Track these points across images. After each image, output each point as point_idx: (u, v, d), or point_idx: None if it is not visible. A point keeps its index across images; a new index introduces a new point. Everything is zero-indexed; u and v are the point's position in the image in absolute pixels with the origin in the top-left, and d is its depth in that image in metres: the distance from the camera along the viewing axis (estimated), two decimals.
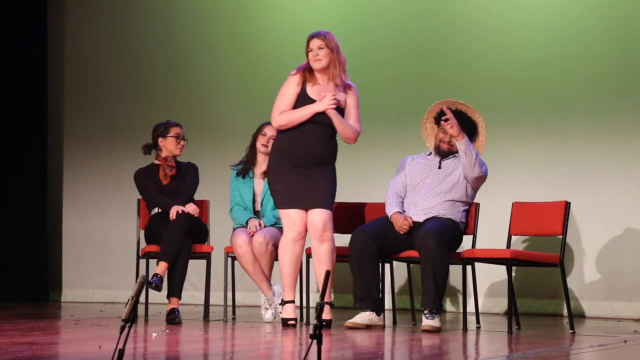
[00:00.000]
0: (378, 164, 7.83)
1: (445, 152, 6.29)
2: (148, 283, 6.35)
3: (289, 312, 6.19)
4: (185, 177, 6.85)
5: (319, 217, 6.06)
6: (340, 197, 6.42)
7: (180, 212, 6.58)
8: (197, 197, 6.90)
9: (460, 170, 6.23)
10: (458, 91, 7.58)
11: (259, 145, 6.79)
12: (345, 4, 8.43)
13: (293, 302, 6.20)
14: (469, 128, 6.28)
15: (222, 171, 7.48)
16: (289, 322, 6.17)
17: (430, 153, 6.39)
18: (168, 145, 6.84)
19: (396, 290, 7.11)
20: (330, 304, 6.04)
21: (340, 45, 6.17)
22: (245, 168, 6.82)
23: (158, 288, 6.42)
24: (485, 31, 7.86)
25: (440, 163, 6.31)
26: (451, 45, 7.98)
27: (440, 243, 5.89)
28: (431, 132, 6.43)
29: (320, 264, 6.06)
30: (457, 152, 6.26)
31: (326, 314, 6.08)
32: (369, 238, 6.06)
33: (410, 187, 6.32)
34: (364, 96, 8.17)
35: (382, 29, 8.24)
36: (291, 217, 6.10)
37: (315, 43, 6.15)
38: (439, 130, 6.32)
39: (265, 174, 6.72)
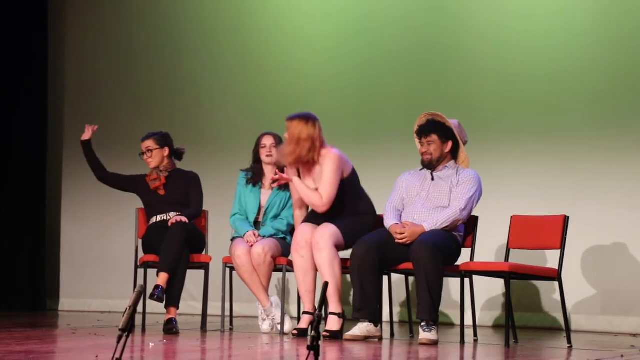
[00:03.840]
0: (378, 177, 7.82)
1: (430, 164, 6.30)
2: (151, 295, 6.38)
3: (301, 322, 6.25)
4: (190, 191, 6.86)
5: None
6: None
7: (179, 220, 6.58)
8: None
9: (454, 182, 6.24)
10: (459, 105, 7.60)
11: (262, 157, 6.80)
12: (346, 17, 8.44)
13: (307, 313, 6.23)
14: (440, 132, 6.29)
15: (222, 182, 7.49)
16: (292, 332, 6.22)
17: (423, 168, 6.41)
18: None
19: (394, 302, 7.10)
20: (338, 315, 6.09)
21: (309, 128, 6.23)
22: (255, 178, 6.83)
23: (160, 299, 6.43)
24: (489, 45, 7.87)
25: (432, 175, 6.32)
26: (453, 60, 7.99)
27: (433, 253, 5.89)
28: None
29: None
30: (443, 161, 6.28)
31: (333, 325, 6.10)
32: (372, 248, 6.06)
33: (406, 201, 6.33)
34: (365, 111, 8.22)
35: (382, 44, 8.25)
36: None
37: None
38: (420, 144, 6.34)
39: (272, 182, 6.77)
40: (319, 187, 6.23)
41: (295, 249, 6.23)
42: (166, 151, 6.90)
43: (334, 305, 6.10)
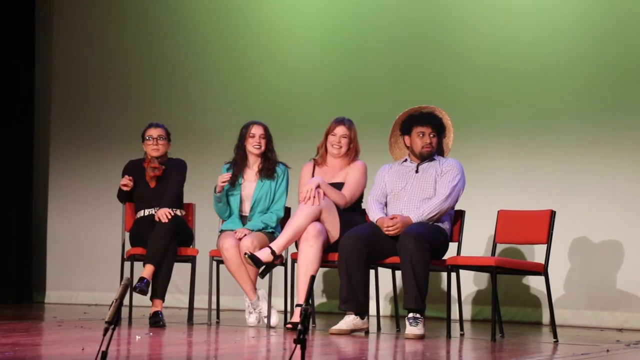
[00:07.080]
0: None
1: (426, 156, 6.30)
2: (134, 287, 6.36)
3: (295, 316, 6.27)
4: (171, 177, 6.83)
5: None
6: None
7: (167, 215, 6.56)
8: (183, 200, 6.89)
9: (438, 172, 6.25)
10: (446, 98, 7.59)
11: (249, 147, 6.76)
12: (333, 11, 8.43)
13: (298, 305, 6.26)
14: (439, 126, 6.31)
15: (209, 175, 7.46)
16: (287, 326, 6.24)
17: (406, 160, 6.40)
18: (147, 149, 6.85)
19: (381, 296, 7.10)
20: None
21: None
22: (234, 174, 6.77)
23: (143, 292, 6.40)
24: (476, 39, 7.88)
25: (417, 167, 6.32)
26: (440, 53, 8.00)
27: (419, 243, 5.89)
28: (395, 147, 6.46)
29: None
30: (435, 154, 6.30)
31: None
32: (359, 241, 6.06)
33: (391, 195, 6.32)
34: (352, 104, 8.21)
35: (370, 37, 8.24)
36: None
37: (340, 131, 6.57)
38: (416, 138, 6.30)
39: (260, 173, 6.73)
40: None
41: (305, 238, 6.24)
42: (169, 146, 6.89)
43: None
